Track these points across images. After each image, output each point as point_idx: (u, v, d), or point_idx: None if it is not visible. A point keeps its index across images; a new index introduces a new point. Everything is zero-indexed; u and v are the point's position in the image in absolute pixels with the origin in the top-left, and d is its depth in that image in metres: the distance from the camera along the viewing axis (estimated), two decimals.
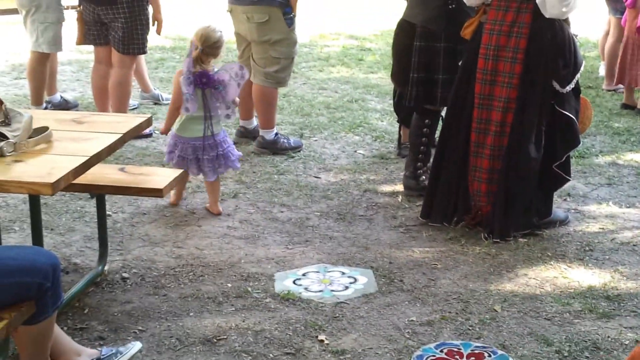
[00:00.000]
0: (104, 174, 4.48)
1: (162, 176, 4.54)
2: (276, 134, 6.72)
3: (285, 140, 6.73)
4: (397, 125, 6.95)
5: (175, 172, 4.60)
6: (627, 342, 3.98)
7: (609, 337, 4.02)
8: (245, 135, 6.96)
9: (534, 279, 4.62)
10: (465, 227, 5.26)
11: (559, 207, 5.58)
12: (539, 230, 5.23)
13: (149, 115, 4.36)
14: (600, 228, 5.37)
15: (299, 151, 6.70)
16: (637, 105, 8.21)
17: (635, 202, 5.79)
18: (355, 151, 6.82)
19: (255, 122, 6.97)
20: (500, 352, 3.87)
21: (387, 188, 6.01)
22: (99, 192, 4.48)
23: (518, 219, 5.16)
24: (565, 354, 3.86)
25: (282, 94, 8.09)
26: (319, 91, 8.69)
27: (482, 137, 5.16)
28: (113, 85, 6.83)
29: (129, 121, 4.20)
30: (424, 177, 5.78)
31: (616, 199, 5.84)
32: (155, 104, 7.97)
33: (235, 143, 6.81)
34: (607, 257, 4.94)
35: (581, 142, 5.35)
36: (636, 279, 4.63)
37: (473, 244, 5.07)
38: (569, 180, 5.37)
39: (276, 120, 6.87)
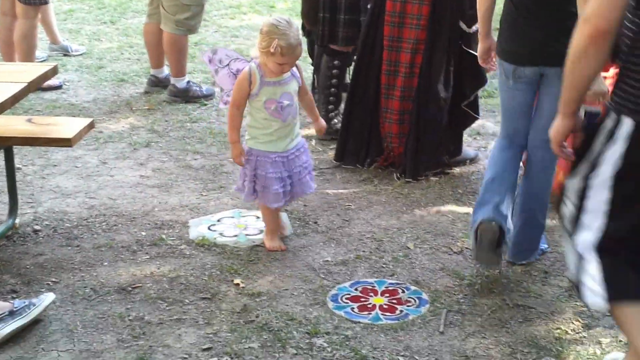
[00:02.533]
0: (10, 125, 4.34)
1: (70, 126, 4.40)
2: (188, 82, 6.60)
3: (198, 88, 6.63)
4: (310, 70, 6.88)
5: (84, 122, 4.45)
6: (535, 274, 4.04)
7: (519, 269, 4.08)
8: (157, 84, 6.81)
9: (445, 215, 4.65)
10: (378, 168, 5.27)
11: (469, 145, 5.62)
12: (450, 169, 5.27)
13: (54, 64, 4.23)
14: None
15: (212, 99, 6.60)
16: None
17: None
18: None
19: (166, 70, 6.83)
20: (413, 287, 3.90)
21: (301, 132, 5.95)
22: (6, 144, 4.34)
23: (429, 159, 5.18)
24: (477, 287, 3.90)
25: (194, 42, 7.95)
26: (231, 39, 8.57)
27: (392, 79, 5.15)
28: (18, 38, 6.59)
29: (33, 70, 4.07)
30: (336, 120, 5.75)
31: None
32: (65, 55, 7.74)
33: (146, 92, 6.71)
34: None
35: (488, 82, 5.37)
36: None
37: (386, 184, 5.07)
38: (478, 118, 5.42)
39: (188, 69, 6.75)
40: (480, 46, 4.22)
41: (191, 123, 6.10)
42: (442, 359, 3.36)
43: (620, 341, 3.47)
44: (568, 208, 2.77)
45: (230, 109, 4.12)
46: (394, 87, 5.13)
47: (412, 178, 5.11)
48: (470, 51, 5.04)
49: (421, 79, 5.06)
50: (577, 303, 3.75)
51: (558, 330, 3.58)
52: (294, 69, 4.10)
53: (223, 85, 4.25)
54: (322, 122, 4.43)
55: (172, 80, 6.58)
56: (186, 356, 3.35)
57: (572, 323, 3.64)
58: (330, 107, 5.80)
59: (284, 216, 4.52)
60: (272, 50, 3.87)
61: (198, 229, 4.44)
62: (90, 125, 4.44)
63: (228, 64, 4.19)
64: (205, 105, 6.47)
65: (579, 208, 2.72)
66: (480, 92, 5.37)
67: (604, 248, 2.67)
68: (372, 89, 5.21)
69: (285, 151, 4.14)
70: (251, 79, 4.01)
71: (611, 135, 2.62)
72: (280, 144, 4.13)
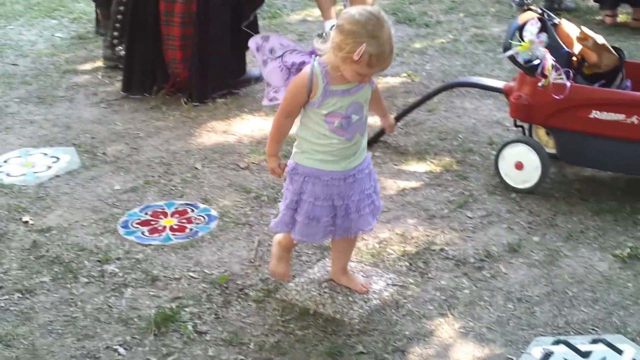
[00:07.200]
0: None
1: None
2: None
3: None
4: (93, 5, 6.62)
5: None
6: None
7: None
8: None
9: (232, 135, 4.61)
10: (166, 94, 5.16)
11: (254, 65, 5.55)
12: (236, 90, 5.22)
13: None
14: None
15: None
16: None
17: None
18: (53, 35, 6.46)
19: None
20: (202, 205, 3.85)
21: (87, 67, 5.76)
22: None
23: (215, 81, 5.10)
24: (264, 198, 3.90)
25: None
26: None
27: (170, 5, 5.01)
28: None
29: None
30: (120, 47, 5.56)
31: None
32: None
33: None
34: None
35: (265, 2, 5.31)
36: None
37: (174, 109, 4.98)
38: None
39: None
40: None
41: None
42: (232, 269, 3.34)
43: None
44: None
45: (277, 116, 2.91)
46: (173, 13, 5.00)
47: (199, 101, 5.03)
48: None
49: (199, 3, 4.94)
50: None
51: None
52: None
53: (271, 81, 3.01)
54: (391, 118, 3.23)
55: None
56: None
57: None
58: (115, 33, 5.59)
59: (72, 152, 4.36)
60: (356, 57, 2.67)
61: None
62: None
63: (281, 56, 2.94)
64: None
65: None
66: (262, 14, 5.30)
67: None
68: (151, 17, 5.05)
69: (344, 171, 2.96)
70: (312, 86, 2.80)
71: None
72: (340, 164, 2.94)
